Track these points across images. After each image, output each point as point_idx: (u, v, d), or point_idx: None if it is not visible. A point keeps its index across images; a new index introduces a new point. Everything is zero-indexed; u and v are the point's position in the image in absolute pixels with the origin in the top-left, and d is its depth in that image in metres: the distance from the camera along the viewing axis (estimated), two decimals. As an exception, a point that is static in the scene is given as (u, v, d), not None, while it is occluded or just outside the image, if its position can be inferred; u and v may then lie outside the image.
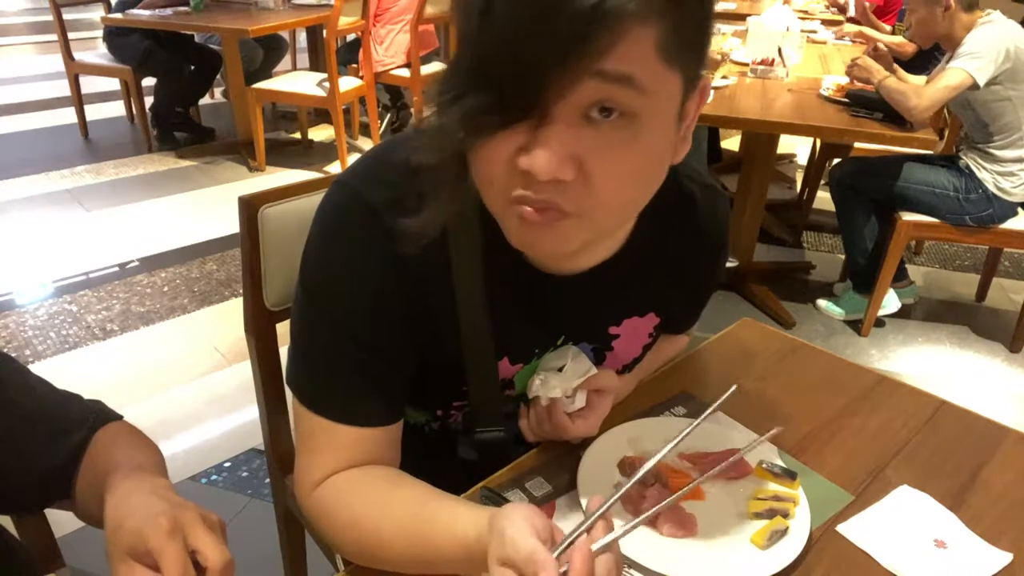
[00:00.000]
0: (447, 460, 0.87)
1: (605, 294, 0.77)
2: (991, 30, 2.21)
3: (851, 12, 4.06)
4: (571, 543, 0.54)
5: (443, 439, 0.88)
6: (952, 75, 2.18)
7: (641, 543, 0.69)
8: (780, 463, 0.80)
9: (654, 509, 0.64)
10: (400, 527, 0.66)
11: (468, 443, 0.84)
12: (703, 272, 0.86)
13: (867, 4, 3.80)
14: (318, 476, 0.71)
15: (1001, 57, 2.17)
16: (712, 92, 2.43)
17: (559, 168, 0.52)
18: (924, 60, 3.24)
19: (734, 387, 0.71)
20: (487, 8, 0.49)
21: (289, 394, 0.75)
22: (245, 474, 1.88)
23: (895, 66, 2.42)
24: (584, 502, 0.74)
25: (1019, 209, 2.40)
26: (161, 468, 0.71)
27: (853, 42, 3.53)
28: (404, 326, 0.69)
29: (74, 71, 4.05)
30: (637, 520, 0.60)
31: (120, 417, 0.79)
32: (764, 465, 0.79)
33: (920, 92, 2.17)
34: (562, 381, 0.77)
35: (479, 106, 0.51)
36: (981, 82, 2.17)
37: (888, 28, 3.74)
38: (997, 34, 2.20)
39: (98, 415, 0.76)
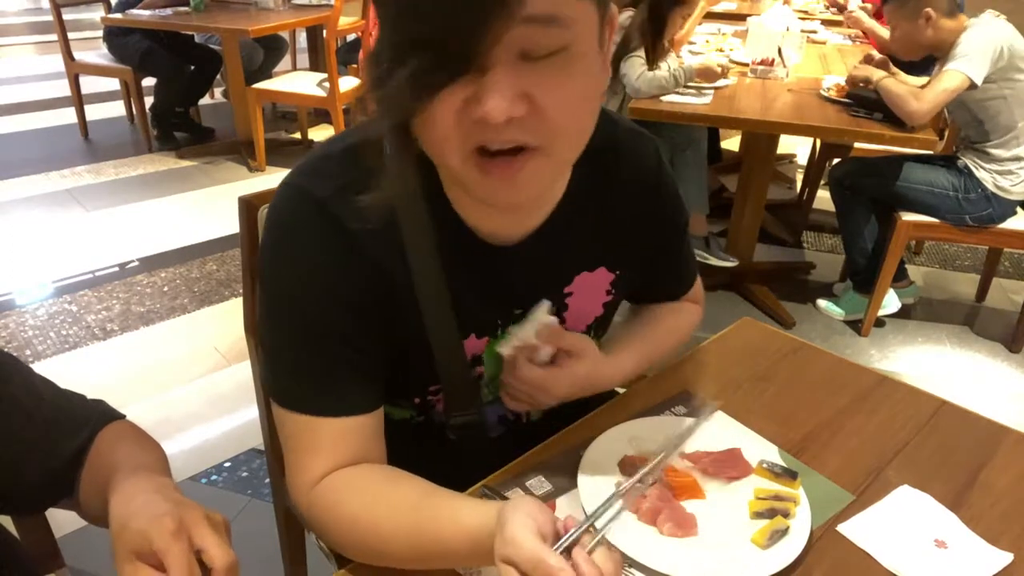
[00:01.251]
0: (437, 451, 0.86)
1: (552, 254, 0.78)
2: (983, 30, 2.21)
3: (851, 7, 4.03)
4: (575, 540, 0.54)
5: (429, 432, 0.87)
6: (950, 77, 2.19)
7: (642, 543, 0.69)
8: (781, 463, 0.80)
9: (643, 472, 0.61)
10: (403, 522, 0.65)
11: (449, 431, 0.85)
12: (651, 221, 0.85)
13: (867, 5, 3.78)
14: (312, 476, 0.71)
15: (995, 55, 2.17)
16: (712, 92, 2.43)
17: (511, 106, 0.54)
18: (925, 60, 3.24)
19: (715, 406, 0.70)
20: None
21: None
22: (245, 474, 1.88)
23: (893, 68, 2.42)
24: (584, 501, 0.74)
25: (1018, 208, 2.40)
26: (164, 467, 0.71)
27: (853, 41, 3.53)
28: (367, 312, 0.70)
29: (74, 71, 4.05)
30: (631, 483, 0.58)
31: (123, 416, 0.79)
32: (765, 465, 0.79)
33: (919, 95, 2.17)
34: (520, 329, 0.78)
35: (421, 68, 0.53)
36: (978, 81, 2.17)
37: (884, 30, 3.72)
38: (989, 33, 2.20)
39: (101, 415, 0.76)
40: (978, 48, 2.18)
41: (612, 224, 0.81)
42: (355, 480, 0.70)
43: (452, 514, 0.63)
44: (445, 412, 0.82)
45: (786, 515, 0.73)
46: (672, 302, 0.98)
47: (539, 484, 0.78)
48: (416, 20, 0.52)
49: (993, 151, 2.33)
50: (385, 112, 0.57)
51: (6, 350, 0.75)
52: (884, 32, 3.36)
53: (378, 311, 0.71)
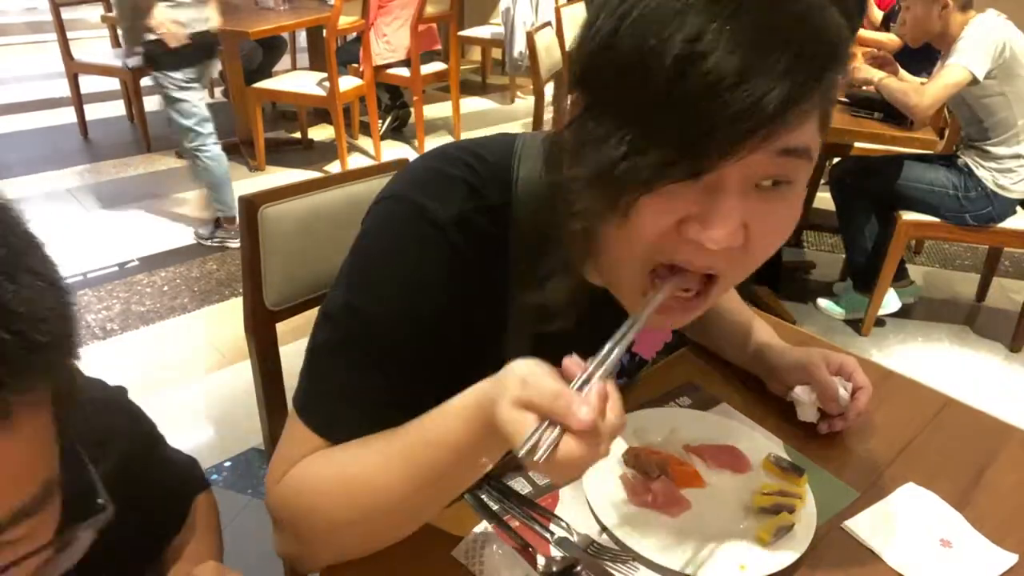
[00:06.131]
0: None
1: None
2: (985, 26, 2.22)
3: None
4: (587, 380, 0.50)
5: None
6: (951, 72, 2.19)
7: (648, 537, 0.69)
8: (787, 458, 0.80)
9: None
10: (386, 452, 0.61)
11: None
12: None
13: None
14: (287, 467, 0.67)
15: (997, 51, 2.18)
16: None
17: (733, 236, 0.52)
18: (923, 59, 3.25)
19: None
20: (692, 61, 0.47)
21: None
22: (245, 473, 1.88)
23: (902, 73, 2.42)
24: (588, 491, 0.74)
25: (1018, 207, 2.40)
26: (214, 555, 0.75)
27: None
28: (445, 342, 0.66)
29: (73, 70, 4.04)
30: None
31: (208, 486, 0.82)
32: (772, 458, 0.79)
33: (921, 91, 2.18)
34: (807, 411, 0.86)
35: (663, 160, 0.49)
36: (980, 76, 2.18)
37: (880, 14, 3.73)
38: (990, 29, 2.21)
39: (194, 488, 0.80)
40: (979, 43, 2.18)
41: None
42: (325, 453, 0.66)
43: (437, 415, 0.58)
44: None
45: (791, 511, 0.72)
46: None
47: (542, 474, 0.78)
48: (685, 106, 0.48)
49: (993, 149, 2.33)
50: (596, 187, 0.52)
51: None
52: (875, 36, 3.38)
53: (457, 344, 0.66)
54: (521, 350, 0.59)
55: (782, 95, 0.46)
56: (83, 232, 3.17)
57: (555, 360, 0.57)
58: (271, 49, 4.41)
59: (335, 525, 0.64)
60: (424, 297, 0.64)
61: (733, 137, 0.47)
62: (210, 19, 2.85)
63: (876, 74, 2.28)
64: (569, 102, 0.57)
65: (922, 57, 3.35)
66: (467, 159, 0.66)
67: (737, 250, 0.53)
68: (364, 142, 4.29)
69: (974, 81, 2.18)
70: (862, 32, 3.54)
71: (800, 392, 0.85)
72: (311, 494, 0.65)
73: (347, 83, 3.73)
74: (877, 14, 3.70)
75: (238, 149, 3.99)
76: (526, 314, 0.66)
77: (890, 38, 3.39)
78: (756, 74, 0.46)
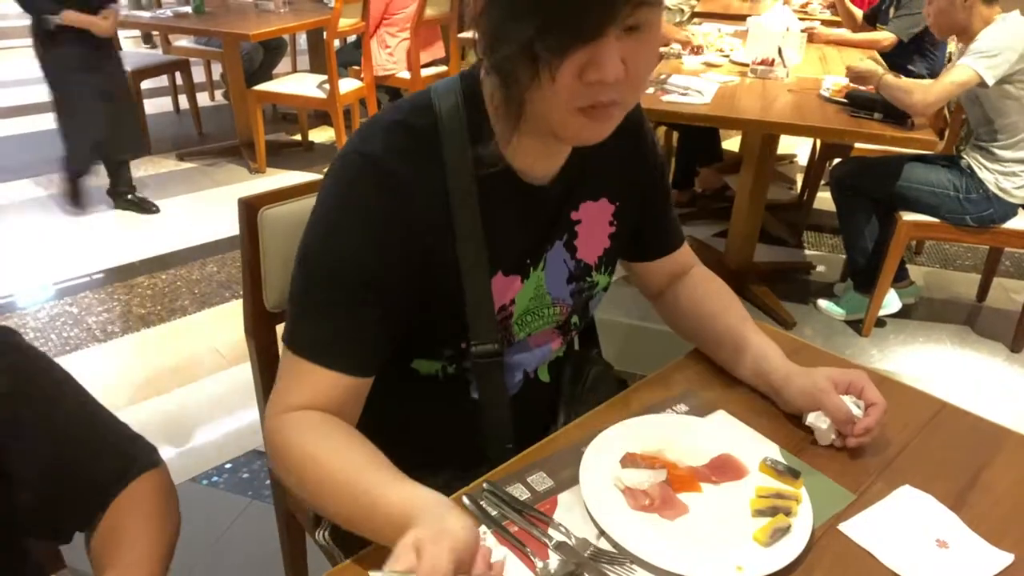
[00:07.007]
0: (460, 408, 0.91)
1: (566, 189, 0.87)
2: (1008, 29, 2.19)
3: None
4: None
5: (455, 386, 0.91)
6: (960, 71, 2.18)
7: (645, 540, 0.69)
8: (783, 461, 0.80)
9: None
10: (343, 469, 0.70)
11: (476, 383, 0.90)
12: (638, 156, 0.96)
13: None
14: (287, 404, 0.76)
15: (1015, 56, 2.16)
16: (713, 91, 2.43)
17: (619, 72, 0.66)
18: (913, 52, 3.27)
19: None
20: None
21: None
22: (246, 475, 1.88)
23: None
24: (586, 496, 0.74)
25: (1020, 210, 2.40)
26: (163, 551, 0.72)
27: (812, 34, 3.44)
28: (406, 261, 0.76)
29: (74, 73, 4.04)
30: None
31: (159, 464, 0.79)
32: (768, 462, 0.79)
33: (925, 87, 2.17)
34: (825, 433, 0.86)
35: (553, 37, 0.63)
36: (990, 81, 2.16)
37: (860, 13, 3.72)
38: (1013, 33, 2.18)
39: (142, 461, 0.77)
40: (997, 46, 2.16)
41: (609, 158, 0.89)
42: (324, 424, 0.74)
43: (389, 483, 0.67)
44: (468, 342, 0.86)
45: (788, 513, 0.73)
46: (695, 283, 1.03)
47: (541, 480, 0.78)
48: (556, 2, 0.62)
49: (999, 152, 2.33)
50: (509, 74, 0.67)
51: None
52: (860, 37, 3.38)
53: (416, 259, 0.77)
54: (472, 234, 0.79)
55: None
56: (83, 234, 3.18)
57: (498, 240, 0.81)
58: (271, 51, 4.42)
59: (298, 488, 0.75)
60: (366, 220, 0.75)
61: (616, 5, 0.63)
62: None
63: (877, 69, 2.28)
64: None
65: (913, 50, 3.36)
66: (391, 108, 0.81)
67: (624, 82, 0.67)
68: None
69: (983, 84, 2.17)
70: (852, 35, 3.54)
71: (814, 419, 0.85)
72: (287, 458, 0.74)
73: (347, 85, 3.73)
74: (857, 13, 3.70)
75: (239, 151, 4.00)
76: (467, 202, 0.78)
77: (884, 35, 3.39)
78: None
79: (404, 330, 0.81)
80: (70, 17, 2.95)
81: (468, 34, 5.12)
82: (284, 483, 0.76)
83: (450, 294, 0.81)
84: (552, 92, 0.67)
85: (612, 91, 0.68)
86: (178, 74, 4.44)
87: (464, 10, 3.15)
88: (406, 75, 4.02)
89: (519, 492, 0.77)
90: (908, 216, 2.43)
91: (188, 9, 3.83)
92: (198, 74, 4.90)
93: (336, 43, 3.68)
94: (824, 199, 2.99)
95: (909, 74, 3.17)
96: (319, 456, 0.71)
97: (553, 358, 0.99)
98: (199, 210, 3.44)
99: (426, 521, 0.60)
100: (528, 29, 0.63)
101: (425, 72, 4.08)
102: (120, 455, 0.76)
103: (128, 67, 3.93)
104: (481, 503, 0.74)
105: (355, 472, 0.69)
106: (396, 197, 0.75)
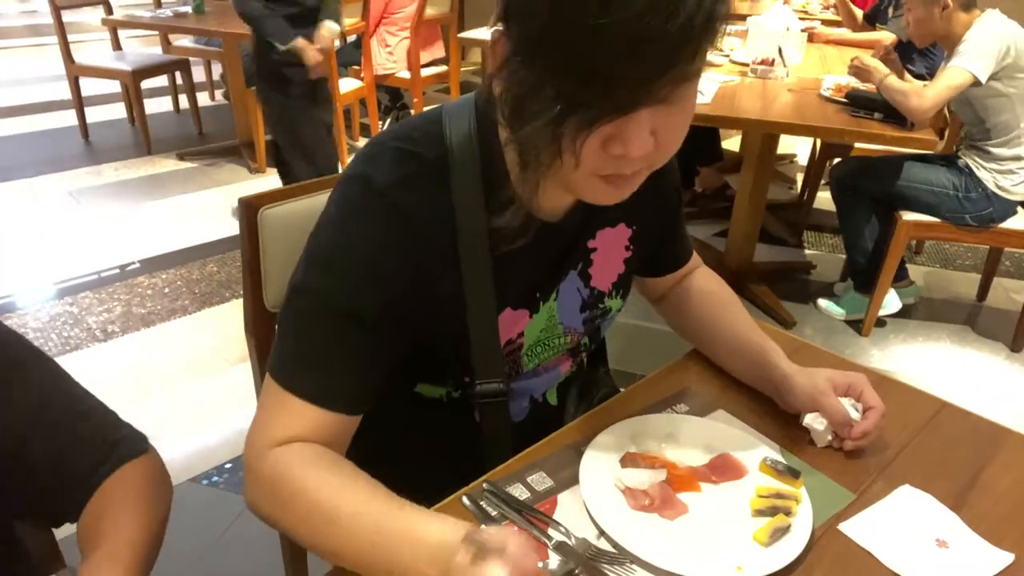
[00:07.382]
0: (462, 432, 0.87)
1: (583, 219, 0.84)
2: (990, 27, 2.21)
3: None
4: None
5: (460, 410, 0.89)
6: (953, 74, 2.19)
7: (645, 540, 0.69)
8: (783, 461, 0.80)
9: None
10: (360, 500, 0.66)
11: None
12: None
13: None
14: (275, 437, 0.71)
15: (1001, 52, 2.17)
16: (713, 91, 2.43)
17: (647, 147, 0.62)
18: (915, 52, 3.25)
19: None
20: (600, 16, 0.54)
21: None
22: (246, 475, 1.88)
23: (909, 77, 2.42)
24: (585, 496, 0.74)
25: (1019, 208, 2.40)
26: (143, 540, 0.69)
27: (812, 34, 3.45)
28: (407, 297, 0.73)
29: (74, 73, 4.05)
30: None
31: (147, 450, 0.77)
32: (768, 462, 0.79)
33: (921, 93, 2.17)
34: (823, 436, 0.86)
35: (587, 108, 0.58)
36: (983, 78, 2.17)
37: (860, 13, 3.72)
38: (996, 30, 2.20)
39: (128, 447, 0.76)
40: (983, 44, 2.18)
41: None
42: (321, 455, 0.70)
43: (413, 512, 0.65)
44: (472, 381, 0.83)
45: (788, 513, 0.73)
46: (708, 297, 1.02)
47: (541, 480, 0.78)
48: (602, 58, 0.55)
49: (994, 150, 2.33)
50: (529, 151, 0.64)
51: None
52: (861, 37, 3.37)
53: (418, 296, 0.74)
54: (479, 267, 0.75)
55: (689, 21, 0.54)
56: (84, 234, 3.18)
57: (508, 275, 0.77)
58: (271, 50, 4.41)
59: (290, 525, 0.69)
60: (367, 252, 0.71)
61: (658, 73, 0.56)
62: None
63: (877, 73, 2.28)
64: (491, 39, 0.65)
65: (914, 50, 3.36)
66: (402, 131, 0.77)
67: (655, 151, 0.64)
68: (364, 144, 4.30)
69: (976, 83, 2.18)
70: (852, 34, 3.54)
71: (811, 420, 0.85)
72: (280, 492, 0.69)
73: (347, 85, 3.73)
74: (857, 13, 3.70)
75: (239, 151, 4.00)
76: (476, 242, 0.75)
77: (884, 35, 3.39)
78: (669, 9, 0.54)
79: (404, 366, 0.79)
80: (303, 46, 2.64)
81: (468, 33, 5.12)
82: (268, 518, 0.71)
83: (454, 332, 0.78)
84: (572, 163, 0.63)
85: (637, 163, 0.65)
86: (178, 74, 4.44)
87: (484, 59, 3.04)
88: (406, 74, 4.02)
89: (519, 492, 0.77)
90: (908, 216, 2.43)
91: (188, 9, 3.84)
92: (198, 74, 4.89)
93: (336, 43, 3.68)
94: (824, 199, 2.99)
95: (909, 73, 3.17)
96: (325, 491, 0.67)
97: (563, 379, 0.97)
98: (199, 210, 3.44)
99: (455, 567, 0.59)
100: (554, 105, 0.58)
101: (425, 72, 4.08)
102: (104, 440, 0.74)
103: (128, 67, 3.95)
104: (481, 503, 0.74)
105: (368, 506, 0.66)
106: (400, 232, 0.71)
